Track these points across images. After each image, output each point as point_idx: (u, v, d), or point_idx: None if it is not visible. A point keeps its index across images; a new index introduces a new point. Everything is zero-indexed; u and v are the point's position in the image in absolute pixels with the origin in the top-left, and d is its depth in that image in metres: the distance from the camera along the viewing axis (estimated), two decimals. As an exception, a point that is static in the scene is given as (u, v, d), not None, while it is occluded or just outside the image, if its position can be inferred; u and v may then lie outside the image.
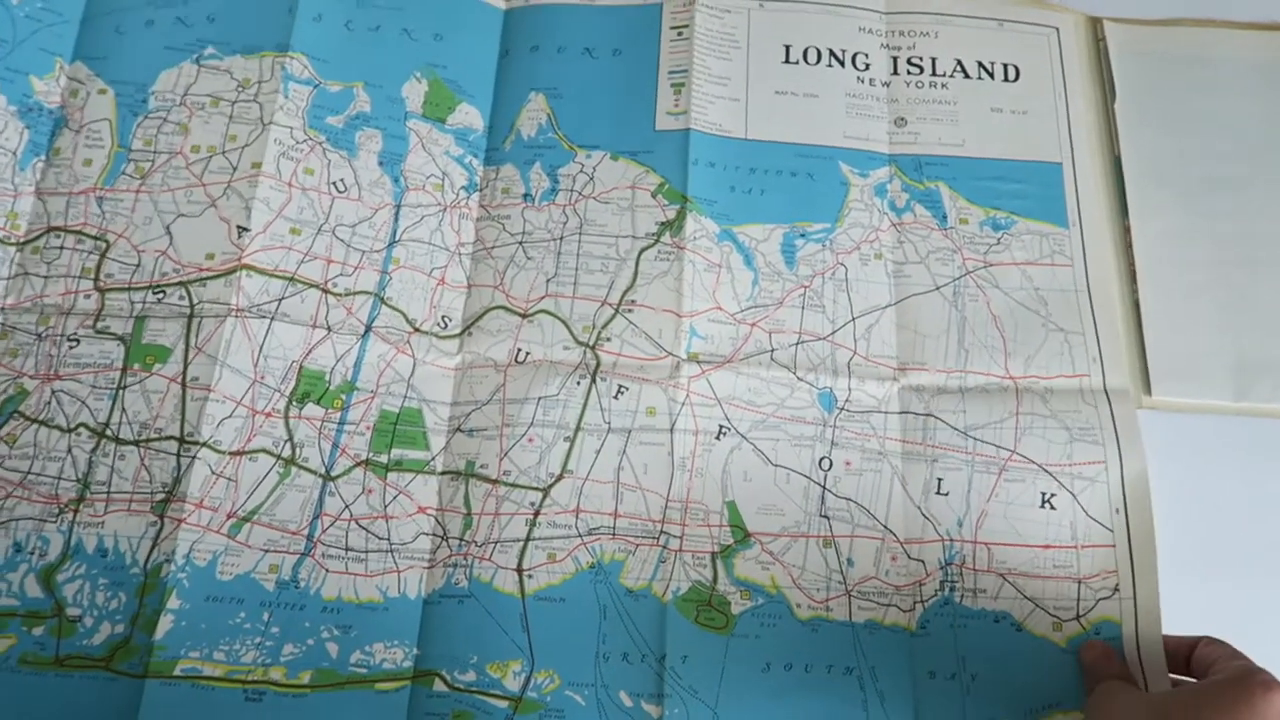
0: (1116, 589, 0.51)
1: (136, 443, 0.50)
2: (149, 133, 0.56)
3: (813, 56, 0.62)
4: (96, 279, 0.53)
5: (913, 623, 0.51)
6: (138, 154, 0.56)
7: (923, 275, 0.57)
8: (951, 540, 0.52)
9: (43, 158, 0.56)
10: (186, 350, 0.51)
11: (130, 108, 0.57)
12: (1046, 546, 0.52)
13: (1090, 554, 0.52)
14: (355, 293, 0.54)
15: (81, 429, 0.50)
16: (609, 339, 0.55)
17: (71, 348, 0.52)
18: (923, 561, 0.52)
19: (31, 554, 0.49)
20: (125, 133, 0.56)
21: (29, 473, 0.50)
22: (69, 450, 0.50)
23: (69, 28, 0.58)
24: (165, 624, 0.47)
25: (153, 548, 0.48)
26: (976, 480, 0.53)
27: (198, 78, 0.57)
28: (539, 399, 0.53)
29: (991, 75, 0.63)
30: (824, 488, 0.53)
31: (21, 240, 0.54)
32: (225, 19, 0.59)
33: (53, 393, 0.51)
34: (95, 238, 0.54)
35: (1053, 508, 0.52)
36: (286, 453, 0.51)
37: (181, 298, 0.52)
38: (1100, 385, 0.55)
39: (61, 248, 0.54)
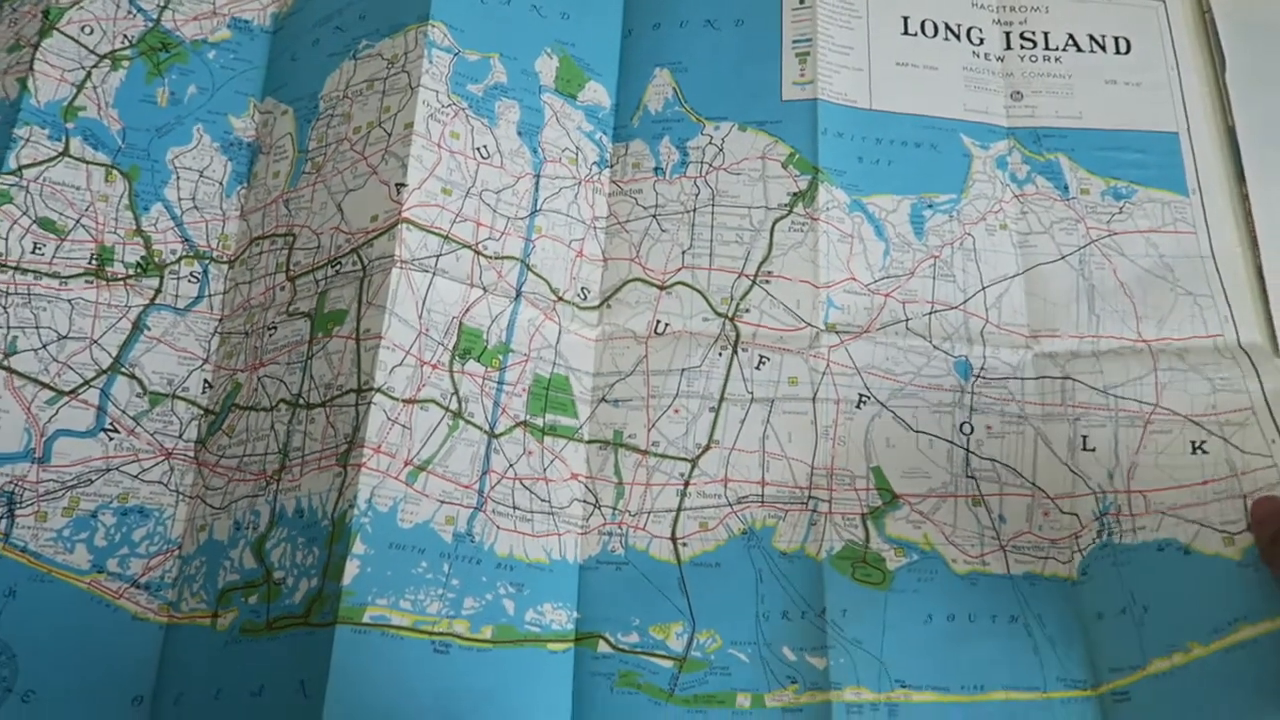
0: None
1: (324, 404, 0.55)
2: (321, 131, 0.64)
3: (929, 29, 0.68)
4: (287, 270, 0.60)
5: (1073, 572, 0.55)
6: (313, 153, 0.63)
7: (1048, 245, 0.62)
8: (1104, 492, 0.56)
9: (244, 185, 0.65)
10: (359, 307, 0.56)
11: (305, 116, 0.65)
12: (1205, 483, 0.55)
13: (1252, 477, 0.55)
14: (504, 257, 0.59)
15: (280, 404, 0.56)
16: (747, 310, 0.59)
17: (270, 335, 0.59)
18: (1076, 515, 0.56)
19: (247, 529, 0.54)
20: (303, 139, 0.64)
21: (244, 455, 0.57)
22: (272, 427, 0.56)
23: (257, 71, 0.69)
24: (351, 569, 0.50)
25: (338, 498, 0.52)
26: (1122, 435, 0.57)
27: (355, 70, 0.65)
28: (683, 370, 0.58)
29: (1104, 48, 0.68)
30: (967, 450, 0.57)
31: (232, 259, 0.63)
32: (373, 12, 0.66)
33: (258, 379, 0.58)
34: (284, 235, 0.62)
35: (1205, 452, 0.56)
36: (454, 405, 0.55)
37: (354, 264, 0.58)
38: (1235, 341, 0.59)
39: (261, 253, 0.62)
